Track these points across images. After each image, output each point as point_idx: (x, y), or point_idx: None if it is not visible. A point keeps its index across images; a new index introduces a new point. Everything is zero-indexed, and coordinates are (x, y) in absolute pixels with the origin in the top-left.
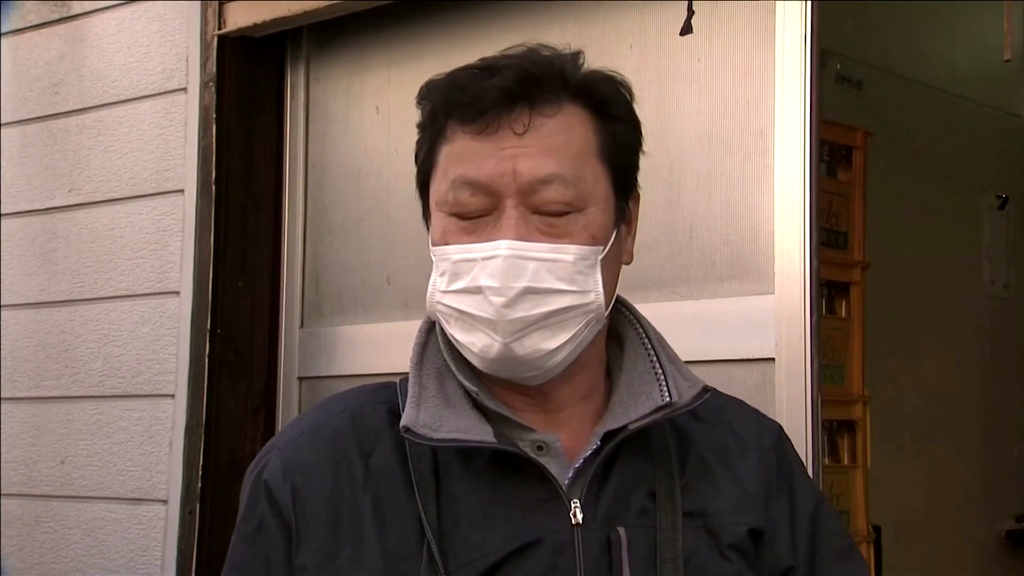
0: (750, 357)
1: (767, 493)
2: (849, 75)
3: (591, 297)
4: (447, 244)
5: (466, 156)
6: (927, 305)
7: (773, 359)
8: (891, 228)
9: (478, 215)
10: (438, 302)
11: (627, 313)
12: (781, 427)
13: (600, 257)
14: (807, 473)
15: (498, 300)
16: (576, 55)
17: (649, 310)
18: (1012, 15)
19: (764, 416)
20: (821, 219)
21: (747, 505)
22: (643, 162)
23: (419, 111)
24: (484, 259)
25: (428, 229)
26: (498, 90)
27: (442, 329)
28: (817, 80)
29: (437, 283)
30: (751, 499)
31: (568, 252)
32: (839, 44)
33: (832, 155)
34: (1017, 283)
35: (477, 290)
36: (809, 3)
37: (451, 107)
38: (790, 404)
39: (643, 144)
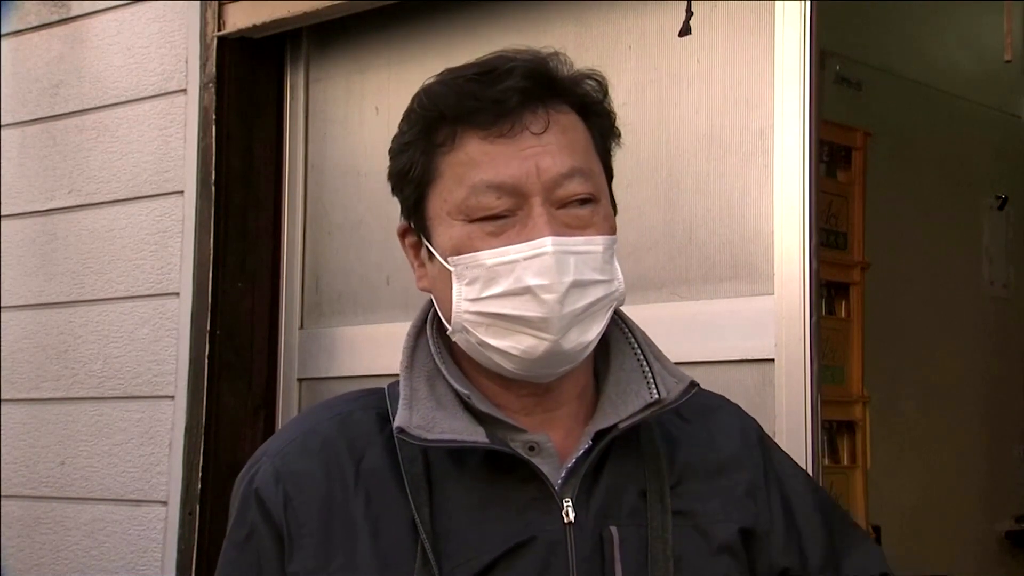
0: (750, 358)
1: (756, 489)
2: (848, 75)
3: (615, 285)
4: (476, 251)
5: (484, 161)
6: (927, 305)
7: (773, 360)
8: (891, 228)
9: (503, 217)
10: (466, 311)
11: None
12: (758, 423)
13: (615, 245)
14: (794, 463)
15: (550, 297)
16: (558, 55)
17: (649, 311)
18: (1012, 15)
19: (745, 413)
20: (821, 219)
21: (736, 504)
22: (643, 162)
23: (407, 127)
24: (526, 259)
25: (423, 242)
26: (518, 92)
27: (436, 333)
28: (816, 80)
29: (464, 292)
30: (740, 498)
31: (598, 243)
32: (839, 44)
33: (832, 155)
34: (1017, 283)
35: (524, 290)
36: (809, 3)
37: (464, 113)
38: (790, 405)
39: (622, 136)
